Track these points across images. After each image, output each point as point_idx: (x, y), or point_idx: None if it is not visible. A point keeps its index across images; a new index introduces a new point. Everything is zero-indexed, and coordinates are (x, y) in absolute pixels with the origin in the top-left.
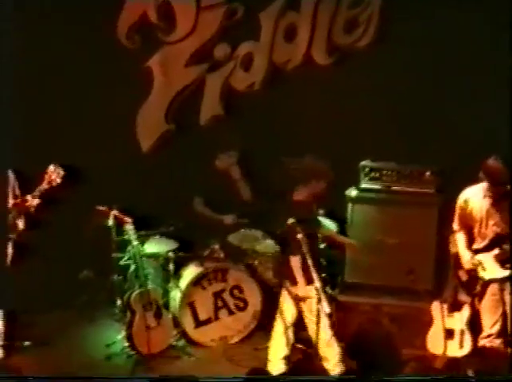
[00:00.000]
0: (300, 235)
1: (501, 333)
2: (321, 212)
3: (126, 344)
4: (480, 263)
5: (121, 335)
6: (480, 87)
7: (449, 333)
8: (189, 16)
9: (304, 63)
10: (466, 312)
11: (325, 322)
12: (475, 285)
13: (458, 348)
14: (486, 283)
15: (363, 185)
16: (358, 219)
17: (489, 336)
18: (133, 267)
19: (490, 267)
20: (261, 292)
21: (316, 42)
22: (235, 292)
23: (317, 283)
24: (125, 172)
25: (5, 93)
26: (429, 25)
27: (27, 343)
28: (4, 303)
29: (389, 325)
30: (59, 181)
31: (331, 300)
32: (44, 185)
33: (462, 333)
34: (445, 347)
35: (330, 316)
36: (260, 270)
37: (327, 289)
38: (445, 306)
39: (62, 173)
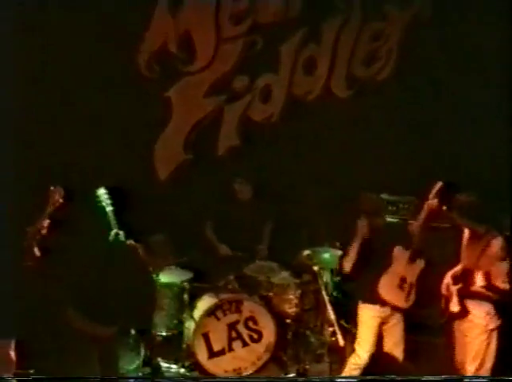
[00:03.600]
0: (316, 268)
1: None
2: (338, 244)
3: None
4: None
5: (135, 364)
6: (502, 120)
7: (402, 281)
8: (209, 47)
9: (322, 95)
10: (420, 265)
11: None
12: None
13: (404, 300)
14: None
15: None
16: None
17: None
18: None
19: (453, 300)
20: (275, 324)
21: (336, 75)
22: (250, 323)
23: (331, 316)
24: (142, 202)
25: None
26: (448, 60)
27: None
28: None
29: (405, 360)
30: (61, 201)
31: (346, 332)
32: (50, 207)
33: (411, 286)
34: (394, 294)
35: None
36: (275, 301)
37: (342, 322)
38: (408, 253)
39: (62, 193)
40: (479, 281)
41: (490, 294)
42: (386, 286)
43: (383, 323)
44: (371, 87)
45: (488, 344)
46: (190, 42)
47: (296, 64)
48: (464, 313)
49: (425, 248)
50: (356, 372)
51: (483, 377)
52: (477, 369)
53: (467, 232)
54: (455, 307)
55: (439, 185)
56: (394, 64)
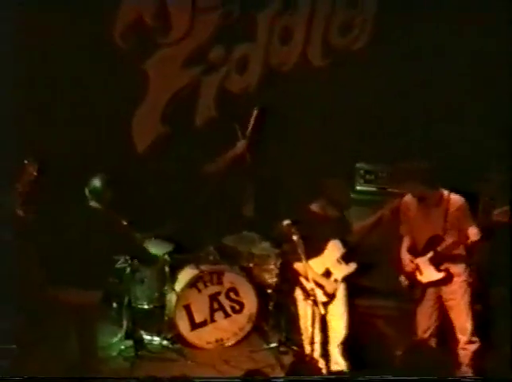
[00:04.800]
0: (295, 237)
1: (433, 336)
2: None
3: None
4: (418, 267)
5: (117, 338)
6: (474, 88)
7: (327, 274)
8: (185, 18)
9: (299, 65)
10: (350, 268)
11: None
12: (415, 290)
13: (322, 294)
14: (424, 288)
15: (358, 188)
16: (353, 221)
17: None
18: (128, 270)
19: (426, 271)
20: (256, 294)
21: (312, 44)
22: (231, 294)
23: (312, 285)
24: (120, 173)
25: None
26: (423, 29)
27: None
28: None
29: (384, 327)
30: (35, 174)
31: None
32: (25, 180)
33: (335, 281)
34: (316, 282)
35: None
36: (256, 272)
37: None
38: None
39: (37, 166)
40: (450, 243)
41: (462, 253)
42: (313, 272)
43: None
44: (347, 57)
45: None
46: (166, 13)
47: (272, 34)
48: (448, 278)
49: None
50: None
51: (483, 378)
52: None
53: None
54: (434, 276)
55: (396, 201)
56: (370, 34)
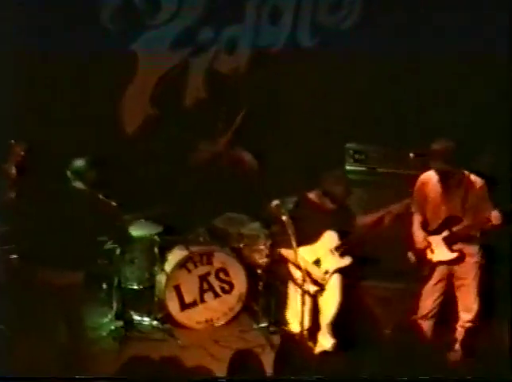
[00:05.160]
0: (285, 217)
1: (433, 317)
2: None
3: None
4: (430, 245)
5: (107, 318)
6: (464, 66)
7: (316, 263)
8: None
9: (288, 45)
10: (345, 261)
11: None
12: (423, 267)
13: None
14: (433, 266)
15: (348, 167)
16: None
17: (422, 317)
18: (118, 251)
19: (438, 250)
20: (246, 274)
21: (300, 24)
22: (221, 275)
23: (299, 273)
24: (109, 156)
25: None
26: (412, 9)
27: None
28: None
29: (374, 305)
30: (23, 154)
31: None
32: (12, 160)
33: (326, 272)
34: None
35: (314, 296)
36: (245, 252)
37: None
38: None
39: (24, 146)
40: (468, 224)
41: (476, 234)
42: (303, 260)
43: None
44: (336, 36)
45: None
46: None
47: (260, 15)
48: (461, 259)
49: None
50: None
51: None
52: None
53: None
54: (446, 256)
55: (405, 203)
56: (359, 13)
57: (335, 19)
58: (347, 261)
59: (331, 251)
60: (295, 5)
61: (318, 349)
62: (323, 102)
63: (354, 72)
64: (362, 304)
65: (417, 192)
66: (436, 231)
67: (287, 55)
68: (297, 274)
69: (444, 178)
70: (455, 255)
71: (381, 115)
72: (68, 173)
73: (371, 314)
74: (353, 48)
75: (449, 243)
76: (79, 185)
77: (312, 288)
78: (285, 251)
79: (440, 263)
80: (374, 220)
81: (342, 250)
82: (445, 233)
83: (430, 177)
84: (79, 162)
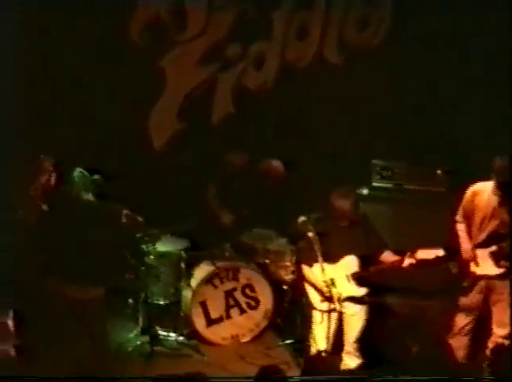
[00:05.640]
0: (311, 234)
1: (468, 333)
2: None
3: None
4: (475, 257)
5: (133, 333)
6: (491, 87)
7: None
8: (201, 15)
9: (315, 61)
10: (361, 292)
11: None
12: (463, 279)
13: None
14: (476, 280)
15: (374, 184)
16: (369, 217)
17: (455, 334)
18: (144, 266)
19: (484, 263)
20: (272, 291)
21: (328, 40)
22: (247, 291)
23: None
24: (137, 171)
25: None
26: (440, 26)
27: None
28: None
29: (397, 323)
30: (51, 169)
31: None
32: (41, 175)
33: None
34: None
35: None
36: (272, 268)
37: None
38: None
39: (53, 162)
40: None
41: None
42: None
43: None
44: (363, 53)
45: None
46: (182, 11)
47: (288, 31)
48: (507, 274)
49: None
50: None
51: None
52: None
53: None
54: (492, 270)
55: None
56: (387, 30)
57: (363, 35)
58: (361, 292)
59: (348, 277)
60: (323, 21)
61: (343, 367)
62: (350, 118)
63: (380, 89)
64: (388, 322)
65: (467, 201)
66: (482, 245)
67: (314, 70)
68: (313, 293)
69: (499, 191)
70: (502, 270)
71: (407, 131)
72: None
73: (398, 332)
74: (380, 64)
75: (497, 258)
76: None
77: (326, 307)
78: (304, 269)
79: (484, 276)
80: (397, 260)
81: (358, 279)
82: (493, 248)
83: (483, 188)
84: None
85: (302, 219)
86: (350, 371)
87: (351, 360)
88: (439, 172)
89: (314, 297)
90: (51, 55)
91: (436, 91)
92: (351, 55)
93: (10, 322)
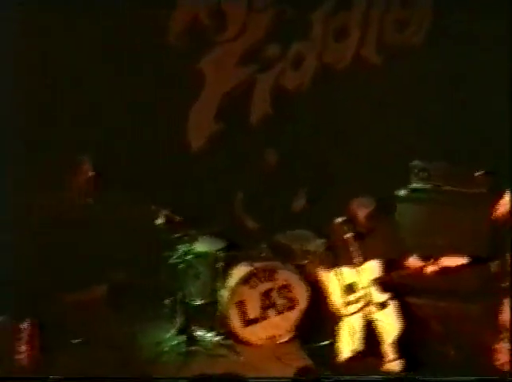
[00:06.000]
0: (348, 235)
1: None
2: None
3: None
4: None
5: (170, 334)
6: None
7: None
8: (240, 16)
9: (354, 62)
10: (382, 297)
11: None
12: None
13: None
14: None
15: (413, 185)
16: (407, 219)
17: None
18: (182, 266)
19: None
20: (309, 291)
21: (367, 41)
22: (284, 291)
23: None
24: (175, 171)
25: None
26: (480, 25)
27: (77, 341)
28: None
29: (436, 325)
30: (90, 171)
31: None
32: (80, 176)
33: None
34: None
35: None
36: (309, 269)
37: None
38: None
39: (91, 163)
40: None
41: None
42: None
43: None
44: (403, 53)
45: None
46: (221, 12)
47: (327, 32)
48: None
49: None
50: None
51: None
52: None
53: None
54: None
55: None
56: (427, 30)
57: (403, 36)
58: (382, 297)
59: (371, 281)
60: (362, 21)
61: (380, 369)
62: (388, 119)
63: (419, 89)
64: (425, 324)
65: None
66: None
67: (353, 71)
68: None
69: None
70: None
71: (446, 133)
72: None
73: (435, 334)
74: (419, 64)
75: None
76: None
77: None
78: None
79: None
80: (421, 266)
81: (381, 284)
82: None
83: None
84: None
85: (339, 220)
86: (386, 372)
87: (388, 362)
88: (479, 173)
89: (337, 300)
90: (78, 56)
91: (476, 92)
92: (390, 55)
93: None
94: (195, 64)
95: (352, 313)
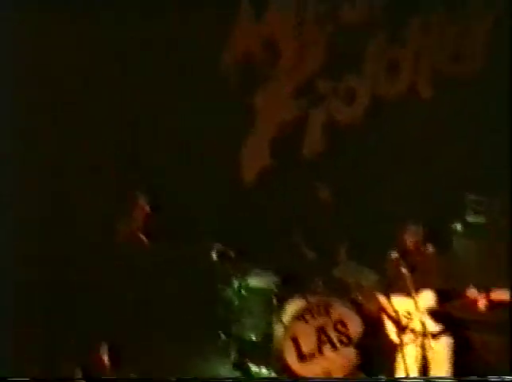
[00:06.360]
0: (404, 270)
1: None
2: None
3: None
4: None
5: (225, 368)
6: None
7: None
8: (293, 49)
9: (407, 96)
10: (434, 328)
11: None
12: None
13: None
14: None
15: (469, 219)
16: (463, 253)
17: None
18: (236, 301)
19: None
20: (364, 327)
21: (420, 75)
22: (339, 326)
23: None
24: (229, 206)
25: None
26: None
27: (133, 375)
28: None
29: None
30: (147, 208)
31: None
32: (138, 213)
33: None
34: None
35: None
36: (364, 304)
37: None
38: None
39: (148, 200)
40: None
41: None
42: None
43: None
44: (456, 87)
45: None
46: (273, 46)
47: (379, 65)
48: None
49: None
50: None
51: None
52: None
53: None
54: None
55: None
56: (480, 63)
57: (456, 68)
58: (434, 328)
59: (424, 311)
60: (414, 54)
61: None
62: (442, 152)
63: (473, 122)
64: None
65: None
66: None
67: (406, 104)
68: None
69: None
70: None
71: (502, 166)
72: None
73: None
74: (473, 95)
75: None
76: None
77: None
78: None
79: None
80: (473, 299)
81: (435, 314)
82: None
83: None
84: None
85: (394, 254)
86: None
87: None
88: None
89: (391, 329)
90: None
91: None
92: (443, 89)
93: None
94: (248, 97)
95: (407, 343)
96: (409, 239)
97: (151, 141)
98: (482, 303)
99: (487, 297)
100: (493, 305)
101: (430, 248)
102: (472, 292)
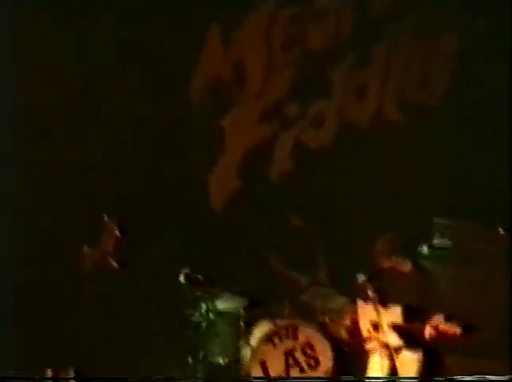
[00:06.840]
0: (371, 293)
1: None
2: None
3: None
4: None
5: None
6: None
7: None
8: (261, 74)
9: (375, 120)
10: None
11: None
12: None
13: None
14: None
15: (435, 243)
16: (429, 276)
17: None
18: (204, 324)
19: None
20: (332, 350)
21: (388, 99)
22: (307, 350)
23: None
24: (197, 229)
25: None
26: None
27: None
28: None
29: None
30: (117, 233)
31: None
32: (107, 239)
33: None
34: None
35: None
36: (331, 327)
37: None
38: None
39: (117, 224)
40: None
41: None
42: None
43: None
44: (424, 111)
45: None
46: (242, 71)
47: (347, 90)
48: None
49: None
50: None
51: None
52: None
53: None
54: None
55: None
56: (447, 88)
57: (424, 93)
58: (395, 342)
59: (388, 325)
60: (382, 79)
61: None
62: (411, 177)
63: (441, 146)
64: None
65: None
66: None
67: (374, 130)
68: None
69: None
70: None
71: (468, 190)
72: None
73: None
74: (442, 122)
75: None
76: None
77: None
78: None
79: None
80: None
81: (397, 329)
82: None
83: None
84: None
85: (362, 278)
86: None
87: None
88: (501, 230)
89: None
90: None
91: (502, 149)
92: (411, 113)
93: None
94: (216, 122)
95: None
96: (379, 261)
97: (118, 165)
98: (428, 331)
99: (436, 327)
100: (440, 335)
101: (401, 267)
102: (437, 318)
